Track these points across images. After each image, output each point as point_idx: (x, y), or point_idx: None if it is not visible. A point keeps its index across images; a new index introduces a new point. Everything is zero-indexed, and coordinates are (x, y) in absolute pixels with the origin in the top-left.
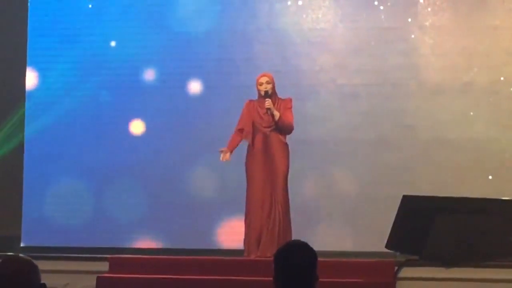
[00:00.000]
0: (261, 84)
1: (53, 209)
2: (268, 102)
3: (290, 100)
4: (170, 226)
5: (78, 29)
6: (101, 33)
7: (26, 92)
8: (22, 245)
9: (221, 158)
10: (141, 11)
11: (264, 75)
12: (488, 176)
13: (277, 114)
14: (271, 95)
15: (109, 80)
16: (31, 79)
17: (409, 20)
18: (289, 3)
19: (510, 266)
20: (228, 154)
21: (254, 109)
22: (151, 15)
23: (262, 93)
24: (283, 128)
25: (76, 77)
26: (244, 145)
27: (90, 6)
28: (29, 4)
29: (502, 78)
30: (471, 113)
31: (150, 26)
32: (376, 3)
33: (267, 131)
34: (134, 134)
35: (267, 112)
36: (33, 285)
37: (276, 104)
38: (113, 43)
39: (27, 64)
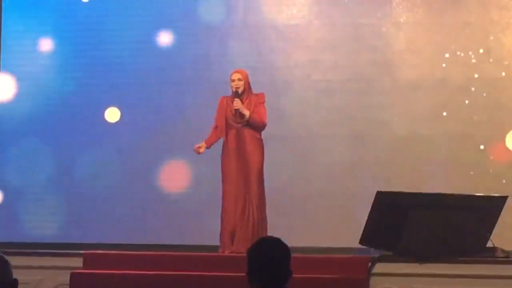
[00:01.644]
0: (233, 80)
1: (26, 204)
2: (236, 103)
3: (263, 95)
4: (145, 221)
5: None
6: None
7: None
8: None
9: (194, 148)
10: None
11: (237, 72)
12: (462, 172)
13: (246, 113)
14: (244, 92)
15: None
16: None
17: (384, 16)
18: None
19: (484, 262)
20: (202, 148)
21: (227, 105)
22: (128, 12)
23: (233, 90)
24: (255, 126)
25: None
26: (220, 141)
27: None
28: None
29: (476, 75)
30: (446, 109)
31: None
32: None
33: (240, 127)
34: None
35: (235, 113)
36: (3, 280)
37: (248, 100)
38: None
39: None
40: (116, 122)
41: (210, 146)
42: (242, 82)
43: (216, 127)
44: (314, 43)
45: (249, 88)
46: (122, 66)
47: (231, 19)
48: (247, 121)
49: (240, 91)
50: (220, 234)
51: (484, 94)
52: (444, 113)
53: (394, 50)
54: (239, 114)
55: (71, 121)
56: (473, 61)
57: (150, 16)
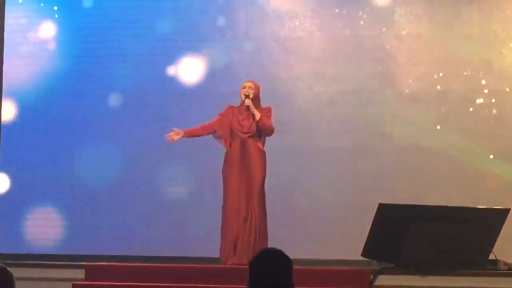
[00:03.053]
0: (244, 87)
1: (28, 216)
2: (248, 101)
3: (270, 108)
4: (147, 233)
5: None
6: None
7: None
8: None
9: (167, 135)
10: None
11: (250, 81)
12: (465, 185)
13: (257, 114)
14: (253, 100)
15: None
16: None
17: (386, 29)
18: (266, 11)
19: (486, 274)
20: (178, 136)
21: (233, 114)
22: (132, 24)
23: (243, 96)
24: (263, 129)
25: None
26: (221, 151)
27: None
28: None
29: (478, 87)
30: (448, 121)
31: (131, 34)
32: (353, 11)
33: (245, 137)
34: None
35: (247, 109)
36: None
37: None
38: None
39: None
40: (117, 139)
41: (189, 137)
42: (253, 91)
43: (208, 126)
44: (316, 55)
45: (258, 100)
46: (124, 79)
47: (233, 31)
48: (257, 123)
49: (250, 97)
50: (221, 246)
51: (487, 106)
52: (446, 125)
53: (396, 62)
54: (250, 112)
55: (72, 132)
56: (475, 73)
57: (152, 29)
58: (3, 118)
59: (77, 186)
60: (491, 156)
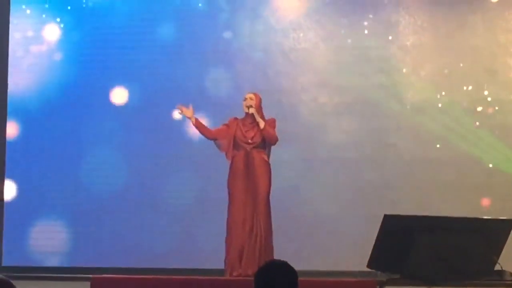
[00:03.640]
0: (245, 99)
1: (34, 228)
2: (252, 109)
3: (274, 120)
4: (151, 245)
5: None
6: None
7: None
8: (3, 264)
9: (179, 105)
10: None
11: (252, 93)
12: (470, 195)
13: (262, 123)
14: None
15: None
16: None
17: (390, 39)
18: (270, 22)
19: (492, 285)
20: (188, 115)
21: (237, 126)
22: (136, 35)
23: (245, 108)
24: (268, 137)
25: None
26: (227, 161)
27: None
28: None
29: (483, 97)
30: (453, 132)
31: (136, 46)
32: (357, 23)
33: (249, 148)
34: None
35: (251, 117)
36: None
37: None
38: None
39: None
40: (122, 160)
41: (195, 126)
42: (254, 102)
43: (215, 131)
44: (320, 67)
45: (261, 111)
46: (128, 90)
47: (238, 43)
48: (261, 131)
49: (251, 109)
50: (225, 257)
51: (491, 116)
52: (451, 135)
53: (401, 73)
54: (255, 118)
55: (76, 143)
56: (480, 83)
57: (157, 40)
58: (8, 130)
59: (82, 198)
60: (494, 165)
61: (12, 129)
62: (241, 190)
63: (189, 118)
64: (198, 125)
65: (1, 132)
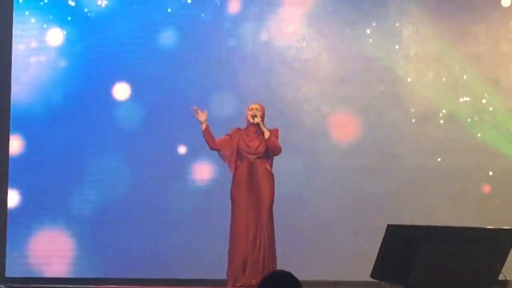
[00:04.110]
0: (251, 109)
1: (37, 239)
2: (257, 119)
3: (277, 130)
4: (154, 256)
5: None
6: None
7: None
8: (6, 275)
9: (195, 107)
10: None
11: (256, 103)
12: (473, 205)
13: (267, 132)
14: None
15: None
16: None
17: (394, 49)
18: (273, 33)
19: None
20: (201, 120)
21: (240, 136)
22: (139, 46)
23: (250, 118)
24: (272, 147)
25: None
26: (229, 173)
27: None
28: None
29: (486, 107)
30: (456, 142)
31: (139, 57)
32: (360, 33)
33: (252, 158)
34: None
35: (252, 121)
36: None
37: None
38: None
39: None
40: (125, 170)
41: (204, 131)
42: (260, 113)
43: (219, 141)
44: (323, 77)
45: (263, 122)
46: (130, 99)
47: (241, 53)
48: (266, 141)
49: (256, 119)
50: (228, 268)
51: (494, 125)
52: (455, 145)
53: (404, 83)
54: (260, 128)
55: (78, 155)
56: (483, 92)
57: (159, 50)
58: (11, 141)
59: (85, 209)
60: (498, 174)
61: (15, 140)
62: (244, 200)
63: (201, 122)
64: (206, 133)
65: (4, 142)
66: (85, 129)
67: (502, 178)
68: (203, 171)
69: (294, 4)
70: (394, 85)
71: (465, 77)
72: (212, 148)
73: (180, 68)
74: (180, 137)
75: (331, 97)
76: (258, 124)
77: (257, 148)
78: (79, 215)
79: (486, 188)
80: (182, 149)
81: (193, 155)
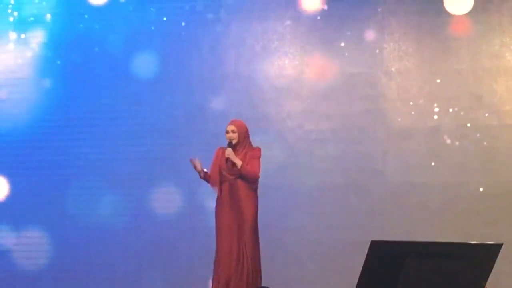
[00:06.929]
0: (227, 132)
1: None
2: (227, 151)
3: (259, 149)
4: (137, 276)
5: None
6: None
7: None
8: None
9: (193, 159)
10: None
11: (232, 123)
12: (457, 220)
13: (238, 162)
14: (238, 143)
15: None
16: None
17: (375, 65)
18: (255, 49)
19: None
20: (198, 169)
21: (222, 156)
22: (120, 69)
23: (228, 141)
24: (246, 177)
25: None
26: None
27: None
28: None
29: (468, 123)
30: (439, 157)
31: (127, 78)
32: (342, 50)
33: (233, 179)
34: None
35: (227, 162)
36: None
37: (244, 152)
38: None
39: None
40: (111, 182)
41: (203, 178)
42: (236, 135)
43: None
44: (306, 93)
45: (246, 140)
46: (114, 121)
47: (223, 70)
48: (239, 171)
49: (234, 142)
50: (212, 284)
51: (477, 141)
52: (438, 160)
53: (386, 99)
54: (230, 163)
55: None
56: (465, 108)
57: (142, 69)
58: None
59: (69, 227)
60: (481, 189)
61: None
62: (227, 219)
63: (199, 172)
64: (206, 178)
65: None
66: (68, 148)
67: (486, 193)
68: (188, 192)
69: (276, 20)
70: (376, 101)
71: (447, 93)
72: (212, 185)
73: (162, 86)
74: (163, 154)
75: (314, 113)
76: (236, 144)
77: (236, 168)
78: (63, 234)
79: (470, 204)
80: (167, 169)
81: (177, 175)
